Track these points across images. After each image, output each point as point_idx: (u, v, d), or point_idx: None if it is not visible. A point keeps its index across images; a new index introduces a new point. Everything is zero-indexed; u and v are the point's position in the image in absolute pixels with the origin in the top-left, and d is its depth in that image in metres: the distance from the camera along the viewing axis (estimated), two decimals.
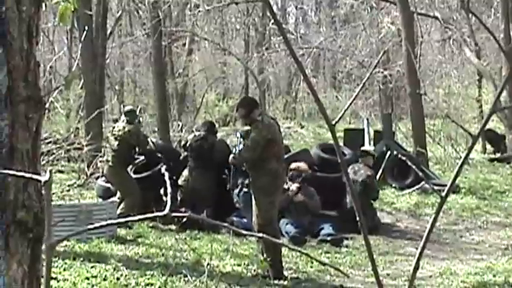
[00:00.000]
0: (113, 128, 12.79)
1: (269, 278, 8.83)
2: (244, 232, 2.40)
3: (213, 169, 12.86)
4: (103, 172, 12.65)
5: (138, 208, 11.77)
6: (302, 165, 12.86)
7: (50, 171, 2.06)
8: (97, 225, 2.27)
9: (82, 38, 18.44)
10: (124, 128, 12.47)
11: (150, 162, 13.09)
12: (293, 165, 12.76)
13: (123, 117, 12.76)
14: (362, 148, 14.81)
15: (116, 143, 12.39)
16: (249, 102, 9.90)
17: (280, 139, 9.73)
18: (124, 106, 29.02)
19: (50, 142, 18.11)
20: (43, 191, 2.85)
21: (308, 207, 12.46)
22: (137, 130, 12.67)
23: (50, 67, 28.01)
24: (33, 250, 3.17)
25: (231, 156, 9.94)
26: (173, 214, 2.28)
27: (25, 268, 3.15)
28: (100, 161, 14.53)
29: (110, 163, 12.43)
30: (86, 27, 17.09)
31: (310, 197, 12.56)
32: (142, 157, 13.06)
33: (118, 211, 11.67)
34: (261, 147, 9.21)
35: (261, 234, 2.68)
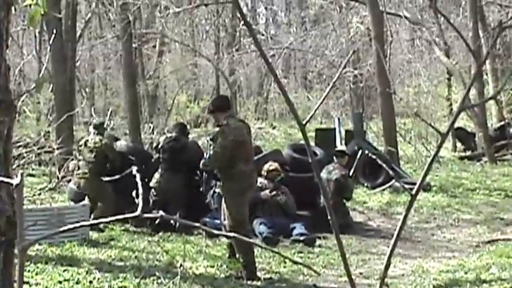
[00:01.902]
0: (87, 141, 12.71)
1: (242, 279, 8.85)
2: (217, 232, 2.41)
3: (185, 171, 12.86)
4: (78, 186, 12.50)
5: (112, 212, 11.73)
6: (278, 165, 12.92)
7: (22, 174, 2.06)
8: (70, 227, 2.28)
9: (51, 41, 18.33)
10: (100, 140, 12.55)
11: (121, 165, 13.05)
12: (272, 166, 12.80)
13: (92, 129, 12.85)
14: (337, 148, 14.87)
15: (93, 155, 12.40)
16: (218, 103, 9.89)
17: (249, 141, 9.73)
18: (94, 109, 28.96)
19: (20, 146, 18.01)
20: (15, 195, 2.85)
21: (284, 207, 12.51)
22: (111, 143, 12.84)
23: (20, 71, 27.83)
24: (6, 254, 3.16)
25: (202, 162, 10.03)
26: (146, 215, 2.29)
27: None
28: (70, 172, 14.39)
29: (87, 175, 12.37)
30: (55, 30, 17.00)
31: (287, 198, 12.61)
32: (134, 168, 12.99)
33: (92, 216, 11.65)
34: (228, 151, 9.23)
35: (233, 234, 2.70)
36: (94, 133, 12.71)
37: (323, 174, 13.13)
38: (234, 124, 9.49)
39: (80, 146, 12.76)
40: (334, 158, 13.76)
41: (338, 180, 13.01)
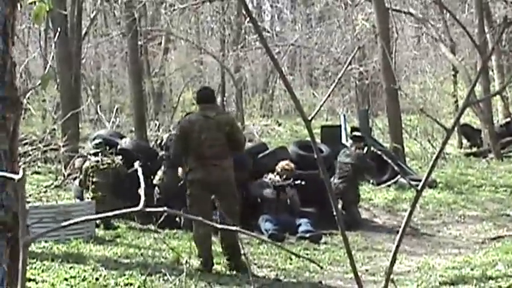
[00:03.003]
0: (97, 162, 12.70)
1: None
2: (220, 226, 2.41)
3: None
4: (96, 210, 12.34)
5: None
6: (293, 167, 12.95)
7: (24, 169, 2.06)
8: (72, 221, 2.28)
9: (56, 39, 18.35)
10: (113, 161, 12.75)
11: (127, 163, 13.07)
12: (289, 166, 12.84)
13: (92, 147, 13.00)
14: (354, 133, 15.00)
15: (109, 177, 12.48)
16: (197, 96, 10.24)
17: (205, 136, 9.54)
18: (100, 107, 28.97)
19: (26, 143, 18.04)
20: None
21: (291, 205, 12.53)
22: (120, 163, 12.98)
23: (26, 68, 27.88)
24: (13, 249, 3.17)
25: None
26: (148, 209, 2.28)
27: (4, 267, 3.15)
28: (76, 169, 14.35)
29: (102, 196, 12.33)
30: (60, 28, 17.01)
31: (293, 195, 12.64)
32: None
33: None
34: (175, 144, 9.82)
35: (234, 228, 2.70)
36: (96, 153, 12.79)
37: (340, 158, 13.35)
38: (190, 118, 9.93)
39: (91, 168, 12.67)
40: (351, 141, 13.92)
41: (355, 164, 13.31)
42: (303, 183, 12.55)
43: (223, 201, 9.61)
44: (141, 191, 2.59)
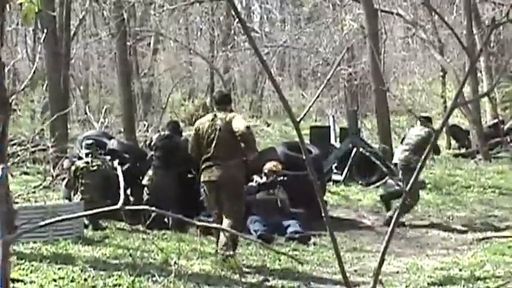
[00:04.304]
0: (87, 163, 12.63)
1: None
2: (210, 225, 2.42)
3: (178, 168, 12.88)
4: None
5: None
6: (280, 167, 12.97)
7: (3, 168, 2.05)
8: (53, 220, 2.27)
9: (43, 39, 18.32)
10: (103, 163, 12.67)
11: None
12: (276, 167, 12.87)
13: (84, 150, 12.92)
14: (422, 114, 15.48)
15: (99, 179, 12.41)
16: (213, 97, 10.79)
17: (213, 136, 9.89)
18: (88, 107, 28.93)
19: (15, 144, 17.98)
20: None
21: (281, 206, 12.53)
22: (110, 164, 12.93)
23: (15, 68, 27.82)
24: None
25: None
26: (127, 208, 2.29)
27: None
28: (64, 170, 14.30)
29: (91, 197, 12.26)
30: (46, 29, 16.96)
31: (282, 196, 12.64)
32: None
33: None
34: (191, 144, 10.27)
35: (220, 226, 2.71)
36: (88, 154, 12.72)
37: (409, 134, 13.96)
38: (202, 119, 10.41)
39: (81, 169, 12.58)
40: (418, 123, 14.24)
41: (424, 137, 13.42)
42: (285, 178, 12.62)
43: (227, 201, 9.79)
44: (121, 190, 2.59)
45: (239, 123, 9.85)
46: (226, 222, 9.62)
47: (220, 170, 9.76)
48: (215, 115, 10.08)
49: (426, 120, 14.16)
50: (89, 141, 13.21)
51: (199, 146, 10.02)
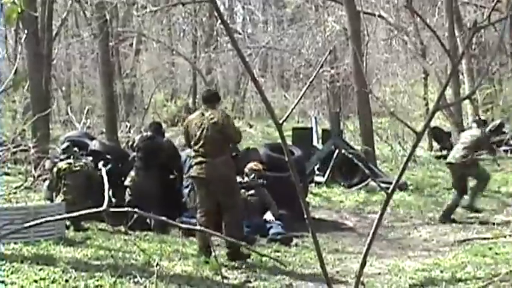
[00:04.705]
0: (69, 164, 12.55)
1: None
2: (192, 227, 2.42)
3: (160, 170, 12.87)
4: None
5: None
6: (262, 168, 13.01)
7: None
8: (38, 222, 2.27)
9: (23, 39, 18.25)
10: (85, 164, 12.56)
11: (98, 164, 13.01)
12: (257, 166, 12.90)
13: (61, 155, 12.87)
14: (476, 118, 16.32)
15: (82, 179, 12.34)
16: (201, 95, 11.04)
17: (200, 133, 10.15)
18: (70, 108, 28.84)
19: None
20: None
21: (266, 207, 12.55)
22: (92, 165, 12.87)
23: None
24: None
25: None
26: (112, 210, 2.28)
27: None
28: (46, 171, 14.26)
29: (73, 198, 12.18)
30: (30, 29, 16.89)
31: (264, 197, 12.65)
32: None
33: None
34: (184, 140, 10.65)
35: (202, 228, 2.72)
36: (68, 156, 12.65)
37: (464, 134, 14.60)
38: (190, 116, 10.80)
39: (63, 170, 12.50)
40: (474, 124, 14.84)
41: (479, 137, 13.97)
42: (264, 182, 12.68)
43: (220, 197, 10.07)
44: (106, 192, 2.59)
45: (231, 130, 10.22)
46: (224, 219, 10.05)
47: (208, 167, 9.99)
48: (202, 113, 10.28)
49: (481, 121, 14.99)
50: (64, 145, 13.12)
51: (189, 141, 10.32)
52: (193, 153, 10.27)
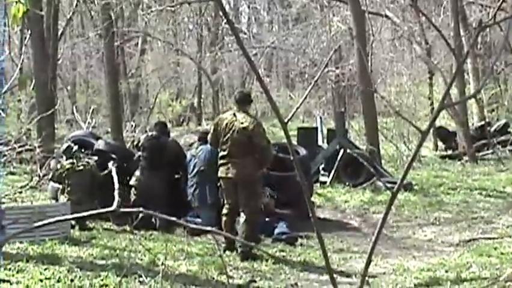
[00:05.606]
0: (73, 163, 12.54)
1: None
2: (197, 227, 2.42)
3: (165, 169, 12.88)
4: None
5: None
6: None
7: None
8: (46, 222, 2.28)
9: (30, 39, 18.27)
10: (88, 163, 12.55)
11: (103, 163, 13.01)
12: None
13: (61, 153, 12.91)
14: None
15: (86, 179, 12.36)
16: (234, 96, 11.36)
17: (226, 134, 10.47)
18: (76, 107, 28.86)
19: (1, 144, 17.90)
20: None
21: (265, 207, 12.53)
22: (95, 164, 12.87)
23: (2, 68, 27.69)
24: None
25: None
26: (122, 210, 2.29)
27: None
28: (51, 170, 14.25)
29: (78, 198, 12.16)
30: (35, 28, 16.91)
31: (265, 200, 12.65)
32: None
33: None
34: (211, 137, 10.82)
35: (209, 228, 2.73)
36: (71, 157, 12.65)
37: None
38: (222, 115, 11.10)
39: (67, 169, 12.49)
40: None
41: None
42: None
43: (244, 197, 10.39)
44: (115, 192, 2.60)
45: (260, 139, 10.43)
46: (242, 217, 10.37)
47: (235, 168, 10.33)
48: (234, 114, 10.59)
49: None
50: (64, 146, 13.12)
51: (217, 141, 10.57)
52: (220, 153, 10.50)
